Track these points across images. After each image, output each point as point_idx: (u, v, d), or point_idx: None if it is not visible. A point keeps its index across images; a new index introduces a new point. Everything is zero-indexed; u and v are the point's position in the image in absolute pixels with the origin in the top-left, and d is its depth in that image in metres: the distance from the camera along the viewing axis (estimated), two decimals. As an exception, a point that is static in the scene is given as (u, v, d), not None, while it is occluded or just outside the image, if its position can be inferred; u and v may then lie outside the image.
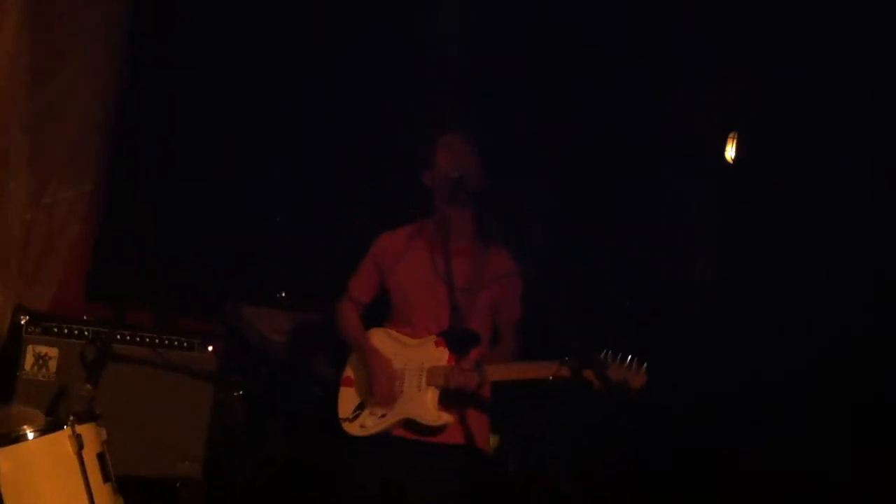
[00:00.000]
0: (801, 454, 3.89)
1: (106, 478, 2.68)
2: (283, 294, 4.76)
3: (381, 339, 3.73)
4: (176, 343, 4.09)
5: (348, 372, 3.78)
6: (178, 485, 4.09)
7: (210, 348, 4.16)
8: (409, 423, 3.57)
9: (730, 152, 4.57)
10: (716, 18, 4.38)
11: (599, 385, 3.21)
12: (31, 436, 2.56)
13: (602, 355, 3.27)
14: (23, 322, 3.83)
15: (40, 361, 3.79)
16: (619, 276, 4.65)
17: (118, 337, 3.82)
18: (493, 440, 3.83)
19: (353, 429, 3.65)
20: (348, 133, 5.03)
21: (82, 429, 2.65)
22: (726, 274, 4.42)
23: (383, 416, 3.59)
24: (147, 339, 4.03)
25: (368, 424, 3.62)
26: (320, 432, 4.02)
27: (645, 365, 3.24)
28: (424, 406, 3.54)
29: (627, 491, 4.25)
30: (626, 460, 4.32)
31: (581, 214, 4.71)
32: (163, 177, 4.76)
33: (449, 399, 3.55)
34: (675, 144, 4.61)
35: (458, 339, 3.56)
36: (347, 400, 3.72)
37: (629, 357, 3.26)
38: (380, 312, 3.88)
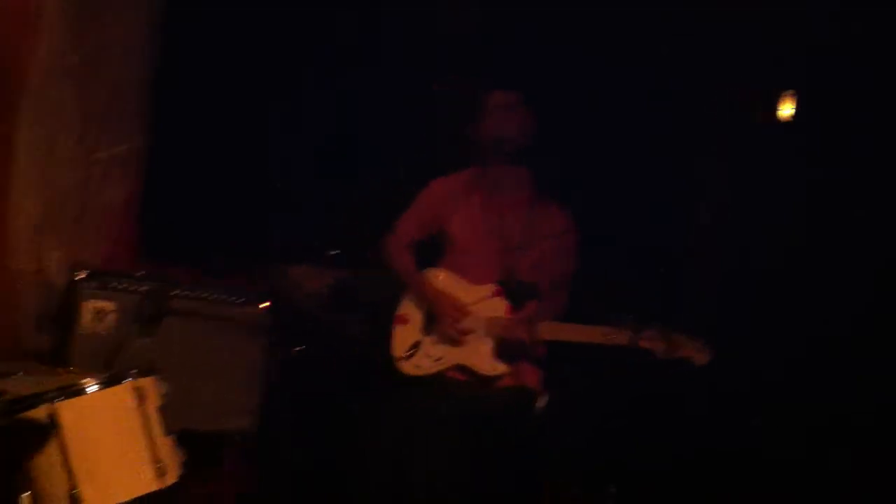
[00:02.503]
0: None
1: (167, 431, 2.70)
2: (337, 252, 4.76)
3: (438, 281, 3.73)
4: (230, 299, 4.11)
5: (404, 310, 3.79)
6: (233, 438, 4.12)
7: (263, 304, 4.17)
8: (463, 370, 3.58)
9: (785, 111, 4.49)
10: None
11: (663, 355, 3.23)
12: (92, 389, 2.58)
13: (668, 327, 3.28)
14: (79, 278, 3.86)
15: (98, 316, 3.82)
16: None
17: (174, 292, 3.83)
18: (542, 399, 3.84)
19: (407, 367, 3.68)
20: (389, 87, 5.00)
21: (143, 382, 2.67)
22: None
23: (439, 359, 3.62)
24: (201, 295, 4.06)
25: (423, 365, 3.65)
26: (365, 384, 4.06)
27: (710, 344, 3.26)
28: (481, 355, 3.56)
29: (668, 466, 4.25)
30: (672, 434, 4.31)
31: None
32: (211, 134, 4.76)
33: (504, 350, 3.56)
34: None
35: (515, 291, 3.57)
36: (402, 338, 3.74)
37: (694, 333, 3.28)
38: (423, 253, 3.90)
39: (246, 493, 4.13)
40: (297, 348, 4.36)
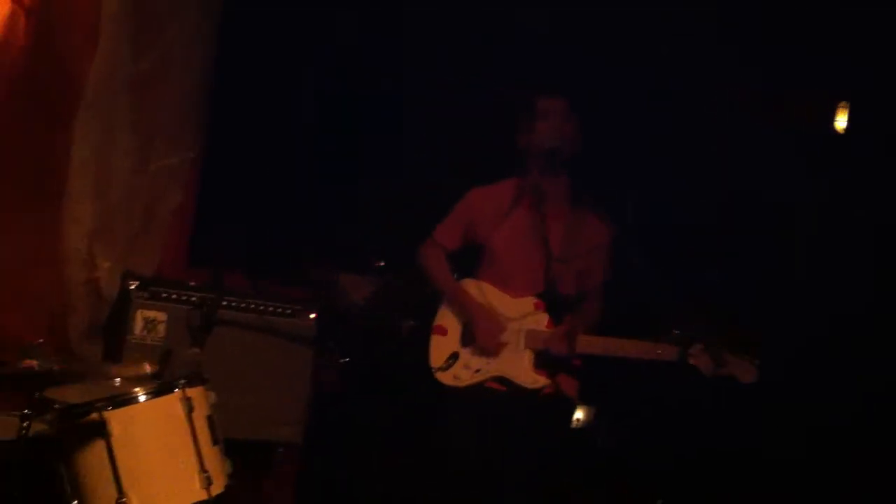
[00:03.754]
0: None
1: (215, 441, 2.71)
2: (382, 263, 4.77)
3: (477, 292, 3.71)
4: (278, 310, 4.13)
5: (440, 320, 3.77)
6: (279, 449, 4.14)
7: (311, 315, 4.19)
8: (502, 381, 3.56)
9: (840, 122, 4.43)
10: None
11: (710, 372, 3.20)
12: (142, 398, 2.59)
13: (716, 343, 3.23)
14: (131, 287, 3.90)
15: (149, 325, 3.86)
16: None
17: (223, 303, 3.86)
18: (583, 412, 3.80)
19: (445, 378, 3.66)
20: (440, 97, 5.01)
21: (192, 392, 2.68)
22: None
23: (478, 370, 3.60)
24: (251, 305, 4.08)
25: (463, 377, 3.63)
26: (412, 391, 4.05)
27: (757, 362, 3.20)
28: (521, 367, 3.54)
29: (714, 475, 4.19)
30: (715, 443, 4.26)
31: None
32: (260, 144, 4.80)
33: (543, 362, 3.54)
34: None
35: (556, 304, 3.55)
36: (439, 349, 3.72)
37: (743, 349, 3.23)
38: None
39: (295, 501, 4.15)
40: (344, 359, 4.38)
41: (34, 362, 2.88)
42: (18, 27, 4.22)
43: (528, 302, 3.61)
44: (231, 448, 3.03)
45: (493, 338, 3.59)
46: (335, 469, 4.41)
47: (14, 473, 2.54)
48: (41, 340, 3.05)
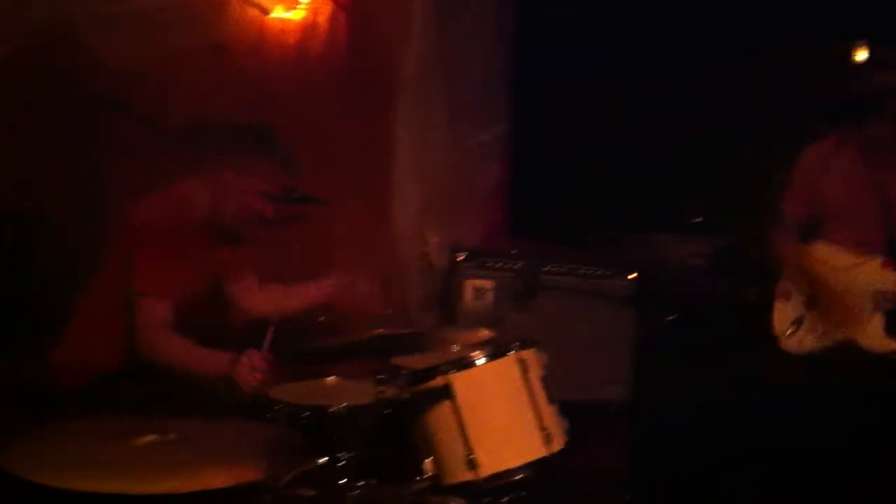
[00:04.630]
0: None
1: (550, 399, 2.79)
2: (700, 219, 4.70)
3: (821, 255, 3.57)
4: (598, 272, 4.20)
5: (783, 286, 3.66)
6: (608, 409, 4.21)
7: (630, 276, 4.21)
8: (849, 347, 3.40)
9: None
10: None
11: None
12: (481, 361, 2.73)
13: None
14: (459, 259, 4.12)
15: (478, 294, 4.06)
16: None
17: (545, 268, 3.98)
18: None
19: (789, 345, 3.56)
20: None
21: (525, 354, 2.78)
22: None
23: (824, 334, 3.45)
24: (571, 270, 4.18)
25: (807, 342, 3.50)
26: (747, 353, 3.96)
27: None
28: (870, 331, 3.36)
29: None
30: None
31: None
32: (570, 115, 4.86)
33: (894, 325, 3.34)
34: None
35: None
36: (783, 315, 3.62)
37: None
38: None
39: (628, 461, 4.19)
40: (669, 317, 4.36)
41: (382, 331, 3.16)
42: (339, 25, 4.56)
43: (875, 263, 3.43)
44: (565, 409, 3.14)
45: (839, 299, 3.44)
46: (666, 428, 4.40)
47: (372, 434, 2.75)
48: (389, 311, 3.30)
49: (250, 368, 2.93)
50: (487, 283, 4.06)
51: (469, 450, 2.62)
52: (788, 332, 3.55)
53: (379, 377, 2.64)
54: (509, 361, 2.74)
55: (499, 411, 2.71)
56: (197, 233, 3.23)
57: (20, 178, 3.69)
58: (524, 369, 2.74)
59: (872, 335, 3.36)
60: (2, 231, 3.60)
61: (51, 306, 3.29)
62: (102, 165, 3.82)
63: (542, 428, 2.69)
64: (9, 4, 3.61)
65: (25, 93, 3.72)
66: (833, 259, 3.53)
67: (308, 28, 4.52)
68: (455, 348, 3.10)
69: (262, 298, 3.46)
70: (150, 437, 2.25)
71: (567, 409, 3.06)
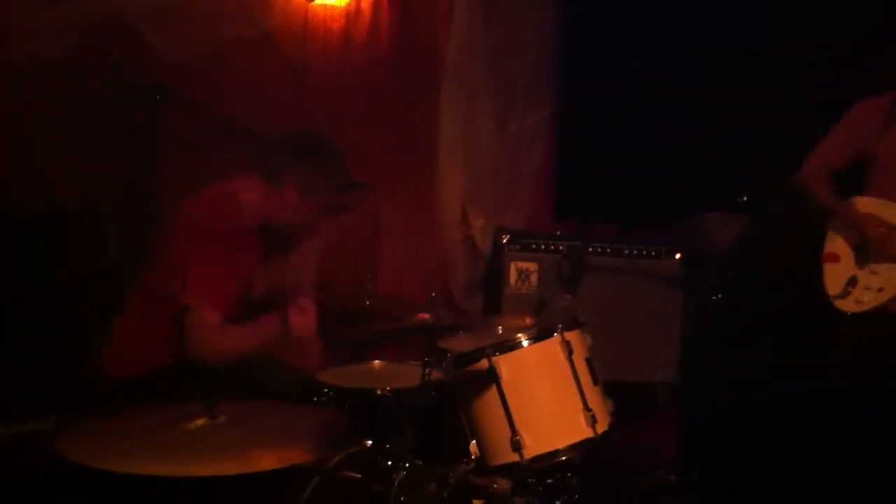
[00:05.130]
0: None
1: (595, 381, 2.79)
2: (745, 198, 4.64)
3: (866, 207, 3.52)
4: (644, 252, 4.19)
5: (831, 247, 3.61)
6: (656, 389, 4.20)
7: (677, 256, 4.20)
8: None
9: None
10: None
11: None
12: (525, 343, 2.73)
13: None
14: (504, 241, 4.13)
15: (522, 276, 4.08)
16: None
17: (590, 249, 3.98)
18: None
19: (846, 305, 3.48)
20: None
21: (570, 335, 2.76)
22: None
23: (881, 289, 3.39)
24: (617, 250, 4.17)
25: (866, 299, 3.44)
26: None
27: None
28: None
29: None
30: None
31: None
32: (613, 97, 4.83)
33: None
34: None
35: None
36: (834, 276, 3.56)
37: None
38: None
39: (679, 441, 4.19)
40: (715, 296, 4.33)
41: (427, 315, 3.18)
42: (382, 12, 4.59)
43: None
44: (611, 390, 3.14)
45: (890, 241, 3.37)
46: (716, 409, 4.38)
47: (418, 417, 2.77)
48: (433, 294, 3.32)
49: (300, 311, 2.96)
50: (531, 265, 4.08)
51: (514, 431, 2.62)
52: (843, 292, 3.49)
53: (425, 360, 2.65)
54: (553, 343, 2.73)
55: (543, 393, 2.71)
56: (244, 234, 3.16)
57: (72, 175, 3.75)
58: (568, 350, 2.73)
59: None
60: (55, 227, 3.65)
61: (102, 302, 3.32)
62: (156, 161, 3.86)
63: (587, 409, 2.68)
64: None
65: (86, 88, 3.77)
66: (881, 210, 3.47)
67: (351, 14, 4.55)
68: (499, 331, 3.11)
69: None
70: (200, 422, 2.29)
71: (614, 389, 3.07)
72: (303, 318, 2.98)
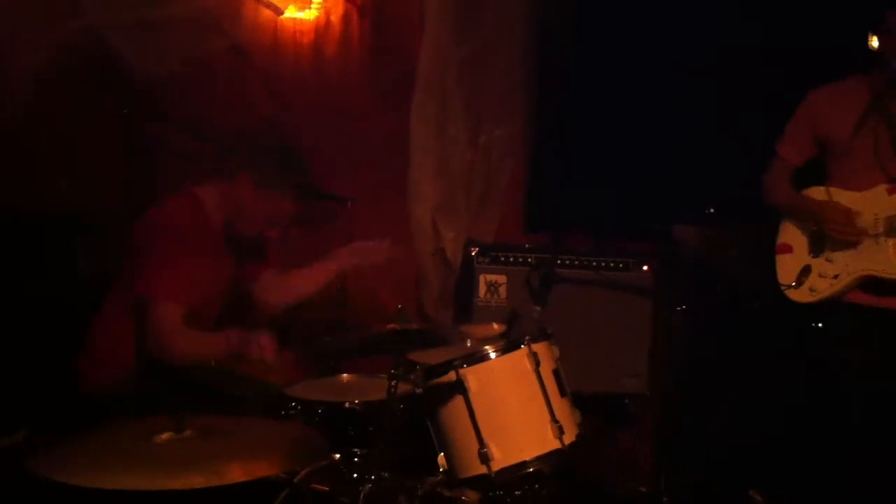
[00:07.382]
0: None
1: (563, 392, 2.82)
2: (712, 210, 4.68)
3: (821, 196, 3.51)
4: (613, 264, 4.22)
5: (784, 238, 3.62)
6: (625, 400, 4.23)
7: (645, 267, 4.23)
8: (867, 283, 3.35)
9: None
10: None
11: None
12: (493, 355, 2.76)
13: None
14: (473, 254, 4.15)
15: (492, 288, 4.10)
16: None
17: (559, 261, 4.01)
18: None
19: (800, 295, 3.49)
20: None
21: (537, 347, 2.79)
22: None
23: (836, 276, 3.39)
24: (586, 262, 4.20)
25: (820, 287, 3.44)
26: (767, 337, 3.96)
27: None
28: (886, 258, 3.28)
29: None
30: None
31: None
32: (585, 110, 4.85)
33: None
34: None
35: None
36: (787, 267, 3.57)
37: None
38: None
39: (650, 450, 4.22)
40: (680, 307, 4.37)
41: (396, 326, 3.20)
42: (353, 26, 4.61)
43: (880, 190, 3.34)
44: (583, 402, 3.16)
45: (849, 224, 3.35)
46: (692, 419, 4.41)
47: (387, 429, 2.78)
48: (399, 306, 3.34)
49: (259, 349, 2.99)
50: (500, 277, 4.10)
51: (482, 444, 2.64)
52: (795, 282, 3.50)
53: (391, 373, 2.67)
54: (521, 355, 2.76)
55: (511, 405, 2.73)
56: (210, 238, 3.26)
57: (63, 184, 3.78)
58: (536, 362, 2.76)
59: (889, 261, 3.27)
60: (43, 237, 3.67)
61: (82, 312, 3.34)
62: (143, 171, 3.90)
63: (555, 421, 2.71)
64: (41, 13, 3.69)
65: (65, 100, 3.81)
66: (836, 198, 3.48)
67: (321, 28, 4.57)
68: (468, 343, 3.13)
69: (281, 291, 3.51)
70: (167, 435, 2.30)
71: (583, 401, 3.09)
72: (260, 353, 3.02)
